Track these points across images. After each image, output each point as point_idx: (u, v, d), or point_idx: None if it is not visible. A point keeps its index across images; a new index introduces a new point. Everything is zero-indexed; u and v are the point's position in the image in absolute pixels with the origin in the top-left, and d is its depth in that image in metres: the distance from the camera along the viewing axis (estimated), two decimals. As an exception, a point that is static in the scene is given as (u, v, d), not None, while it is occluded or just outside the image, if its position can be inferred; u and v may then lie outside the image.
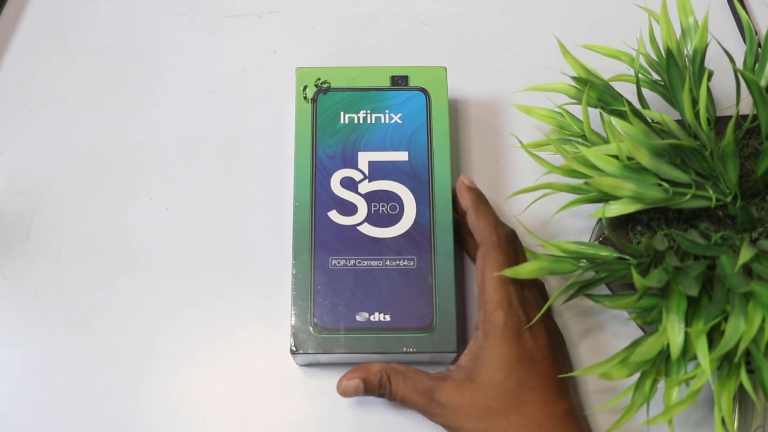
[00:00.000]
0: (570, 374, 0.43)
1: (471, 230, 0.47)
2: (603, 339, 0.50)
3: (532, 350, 0.43)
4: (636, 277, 0.38)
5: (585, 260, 0.44)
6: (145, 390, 0.49)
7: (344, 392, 0.45)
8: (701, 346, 0.38)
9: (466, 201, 0.47)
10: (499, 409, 0.43)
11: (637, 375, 0.41)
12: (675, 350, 0.38)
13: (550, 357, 0.44)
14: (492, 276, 0.44)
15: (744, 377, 0.38)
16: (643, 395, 0.40)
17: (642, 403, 0.40)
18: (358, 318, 0.46)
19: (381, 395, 0.46)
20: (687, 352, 0.39)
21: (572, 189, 0.45)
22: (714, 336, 0.39)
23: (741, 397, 0.46)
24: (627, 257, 0.43)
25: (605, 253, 0.43)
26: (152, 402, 0.48)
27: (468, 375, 0.43)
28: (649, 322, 0.41)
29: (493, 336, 0.43)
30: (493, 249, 0.45)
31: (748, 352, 0.39)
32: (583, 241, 0.44)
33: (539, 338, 0.44)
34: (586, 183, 0.44)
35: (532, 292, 0.46)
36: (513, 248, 0.46)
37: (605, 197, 0.44)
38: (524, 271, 0.42)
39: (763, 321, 0.37)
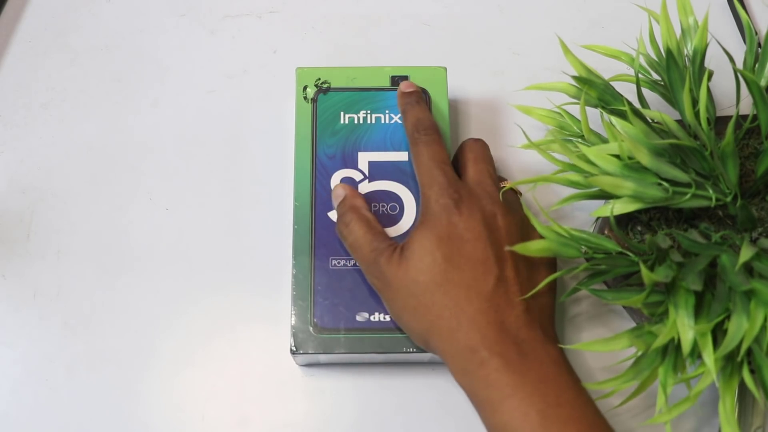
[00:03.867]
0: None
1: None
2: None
3: (462, 230, 0.43)
4: (644, 272, 0.38)
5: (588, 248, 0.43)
6: (145, 390, 0.49)
7: (333, 190, 0.48)
8: (706, 346, 0.37)
9: (400, 106, 0.50)
10: (426, 284, 0.42)
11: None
12: (686, 346, 0.38)
13: (483, 239, 0.43)
14: (424, 160, 0.46)
15: (747, 376, 0.38)
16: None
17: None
18: (358, 318, 0.46)
19: (340, 219, 0.47)
20: (693, 351, 0.39)
21: (572, 183, 0.45)
22: (717, 335, 0.39)
23: (741, 396, 0.46)
24: (629, 254, 0.43)
25: (610, 244, 0.43)
26: (152, 402, 0.48)
27: (407, 246, 0.44)
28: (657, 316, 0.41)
29: (426, 213, 0.44)
30: (426, 135, 0.47)
31: (749, 351, 0.39)
32: (589, 231, 0.44)
33: (473, 219, 0.44)
34: (585, 178, 0.44)
35: (480, 185, 0.46)
36: (443, 139, 0.48)
37: (605, 195, 0.44)
38: (533, 248, 0.42)
39: (765, 319, 0.37)
